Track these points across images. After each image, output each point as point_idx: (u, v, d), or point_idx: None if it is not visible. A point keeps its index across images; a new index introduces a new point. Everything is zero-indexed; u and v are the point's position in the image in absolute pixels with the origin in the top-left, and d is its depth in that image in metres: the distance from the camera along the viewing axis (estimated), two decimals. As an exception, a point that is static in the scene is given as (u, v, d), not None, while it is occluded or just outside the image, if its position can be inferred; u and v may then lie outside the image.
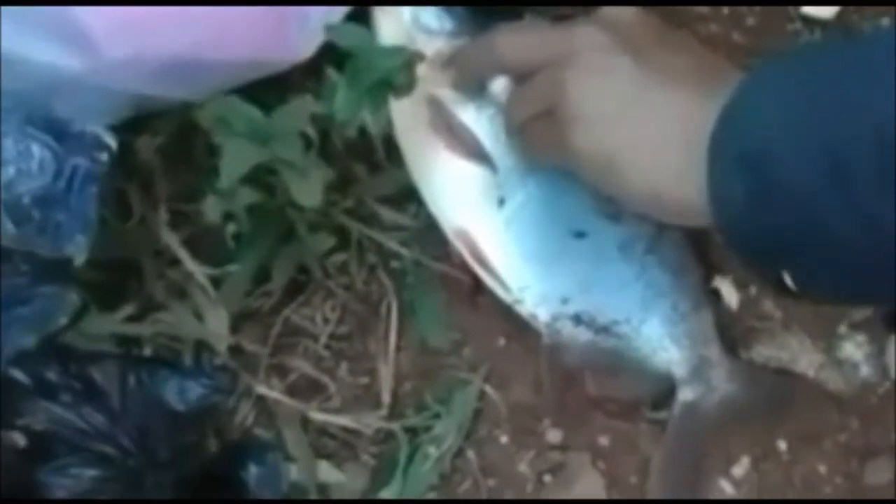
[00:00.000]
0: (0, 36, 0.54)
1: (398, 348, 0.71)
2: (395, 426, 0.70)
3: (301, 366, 0.71)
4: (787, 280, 0.51)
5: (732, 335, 0.69)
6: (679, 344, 0.68)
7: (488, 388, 0.70)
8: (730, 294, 0.69)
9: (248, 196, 0.62)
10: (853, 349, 0.69)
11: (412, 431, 0.70)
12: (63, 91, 0.58)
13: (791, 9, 0.70)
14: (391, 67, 0.62)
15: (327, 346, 0.71)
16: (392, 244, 0.70)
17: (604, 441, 0.70)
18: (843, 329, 0.69)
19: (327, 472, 0.70)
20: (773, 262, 0.52)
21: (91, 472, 0.64)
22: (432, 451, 0.69)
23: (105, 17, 0.54)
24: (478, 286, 0.69)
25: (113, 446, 0.64)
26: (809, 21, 0.70)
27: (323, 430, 0.70)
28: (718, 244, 0.66)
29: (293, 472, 0.69)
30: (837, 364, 0.69)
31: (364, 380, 0.71)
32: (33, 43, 0.55)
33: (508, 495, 0.70)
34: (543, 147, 0.62)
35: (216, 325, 0.68)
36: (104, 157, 0.61)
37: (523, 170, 0.66)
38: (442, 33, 0.65)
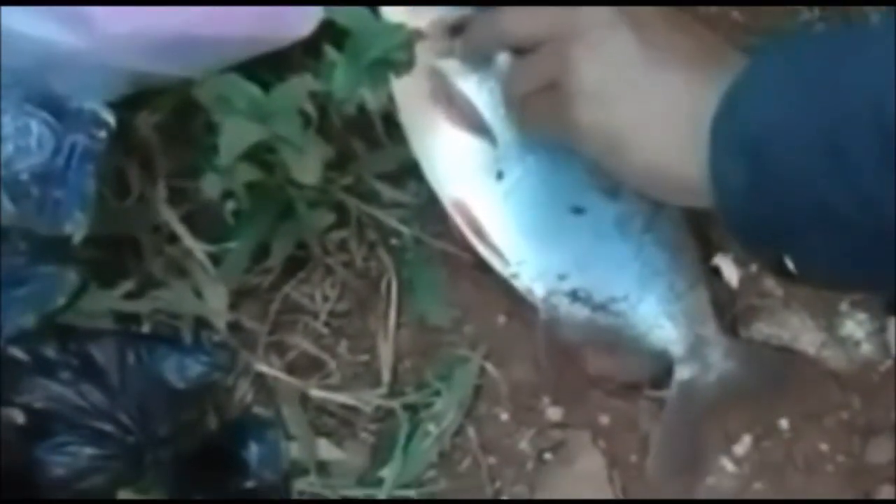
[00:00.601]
0: (-1, 12, 0.54)
1: (398, 325, 0.71)
2: (394, 404, 0.70)
3: (300, 343, 0.70)
4: (788, 264, 0.51)
5: (733, 313, 0.69)
6: (676, 322, 0.68)
7: (488, 366, 0.70)
8: (730, 272, 0.69)
9: (247, 173, 0.62)
10: (854, 327, 0.69)
11: (412, 409, 0.70)
12: (61, 68, 0.58)
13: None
14: (391, 46, 0.62)
15: (327, 324, 0.71)
16: (392, 221, 0.70)
17: (604, 419, 0.70)
18: (844, 307, 0.69)
19: (327, 449, 0.70)
20: (773, 246, 0.52)
21: (90, 450, 0.64)
22: (432, 428, 0.69)
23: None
24: (478, 263, 0.69)
25: (112, 424, 0.64)
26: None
27: (322, 408, 0.70)
28: (718, 221, 0.66)
29: (293, 450, 0.69)
30: (839, 342, 0.69)
31: (364, 357, 0.71)
32: (31, 19, 0.55)
33: (509, 473, 0.70)
34: (544, 121, 0.61)
35: (215, 302, 0.68)
36: (103, 134, 0.61)
37: (523, 144, 0.66)
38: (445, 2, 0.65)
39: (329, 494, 0.69)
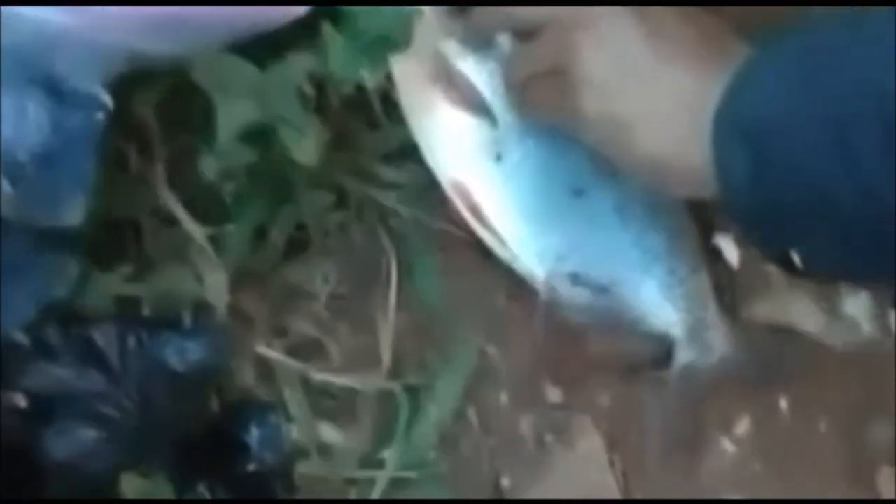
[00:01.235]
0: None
1: (398, 307, 0.71)
2: (395, 386, 0.69)
3: (301, 326, 0.70)
4: (794, 258, 0.51)
5: (733, 293, 0.69)
6: (676, 306, 0.68)
7: (489, 348, 0.70)
8: (730, 252, 0.69)
9: (245, 154, 0.62)
10: (856, 307, 0.69)
11: (412, 391, 0.70)
12: (57, 48, 0.58)
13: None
14: (389, 24, 0.62)
15: (327, 306, 0.71)
16: (391, 202, 0.70)
17: (604, 401, 0.70)
18: (845, 287, 0.69)
19: (328, 432, 0.70)
20: (778, 238, 0.52)
21: (91, 434, 0.64)
22: (433, 411, 0.69)
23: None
24: (478, 245, 0.68)
25: (113, 407, 0.64)
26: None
27: (323, 391, 0.70)
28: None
29: (294, 433, 0.69)
30: (840, 322, 0.69)
31: (364, 339, 0.71)
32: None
33: (509, 455, 0.70)
34: (546, 106, 0.61)
35: (215, 285, 0.68)
36: (100, 115, 0.61)
37: (523, 125, 0.66)
38: None
39: (330, 477, 0.69)
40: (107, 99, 0.61)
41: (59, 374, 0.64)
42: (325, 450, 0.70)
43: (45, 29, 0.56)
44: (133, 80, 0.62)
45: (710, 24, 0.58)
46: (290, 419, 0.69)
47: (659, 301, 0.67)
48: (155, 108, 0.65)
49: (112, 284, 0.67)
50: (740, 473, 0.69)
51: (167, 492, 0.66)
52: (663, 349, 0.68)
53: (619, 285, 0.67)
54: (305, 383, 0.70)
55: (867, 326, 0.69)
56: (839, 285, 0.69)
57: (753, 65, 0.52)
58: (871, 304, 0.69)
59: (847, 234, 0.49)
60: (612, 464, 0.69)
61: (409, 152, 0.68)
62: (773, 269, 0.69)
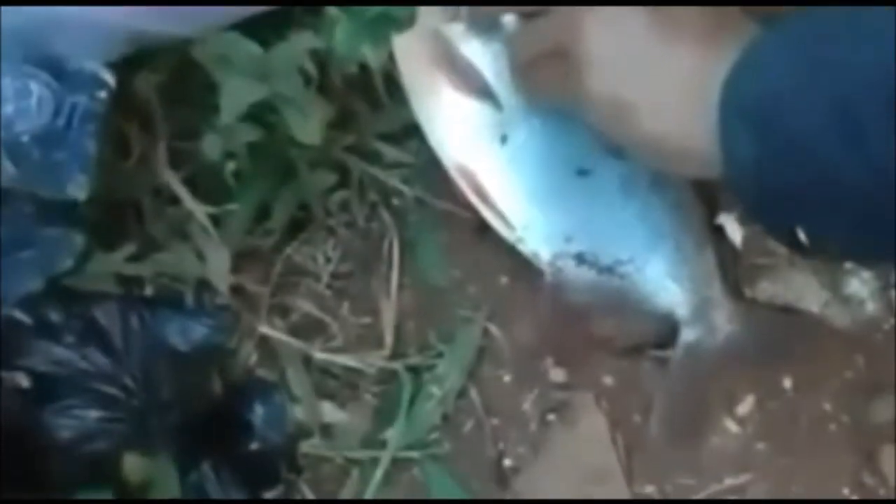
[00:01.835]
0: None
1: (400, 287, 0.71)
2: (397, 365, 0.69)
3: (303, 305, 0.70)
4: (801, 236, 0.51)
5: (736, 272, 0.69)
6: (682, 285, 0.67)
7: (492, 327, 0.70)
8: (734, 230, 0.68)
9: (248, 133, 0.62)
10: (859, 285, 0.69)
11: (415, 371, 0.70)
12: (59, 28, 0.58)
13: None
14: (391, 2, 0.62)
15: (329, 286, 0.71)
16: (393, 182, 0.70)
17: (607, 380, 0.70)
18: (848, 265, 0.69)
19: (331, 412, 0.70)
20: (785, 217, 0.52)
21: (94, 413, 0.64)
22: (435, 390, 0.69)
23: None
24: (481, 224, 0.68)
25: (116, 387, 0.64)
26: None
27: (325, 370, 0.70)
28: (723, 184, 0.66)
29: (297, 413, 0.69)
30: (843, 301, 0.69)
31: (366, 319, 0.71)
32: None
33: (512, 434, 0.70)
34: (550, 87, 0.61)
35: (217, 265, 0.68)
36: (103, 94, 0.61)
37: (527, 107, 0.65)
38: None
39: (333, 456, 0.69)
40: (109, 78, 0.61)
41: (61, 354, 0.64)
42: (327, 429, 0.70)
43: (47, 9, 0.55)
44: (135, 59, 0.62)
45: (720, 6, 0.58)
46: (292, 399, 0.69)
47: (664, 280, 0.67)
48: (157, 87, 0.65)
49: (114, 264, 0.67)
50: (743, 453, 0.69)
51: (170, 471, 0.66)
52: (667, 329, 0.68)
53: (625, 265, 0.67)
54: (308, 363, 0.70)
55: (870, 305, 0.69)
56: (843, 265, 0.69)
57: (759, 44, 0.51)
58: (875, 284, 0.69)
59: (853, 212, 0.49)
60: (614, 443, 0.69)
61: (412, 131, 0.68)
62: (776, 249, 0.69)
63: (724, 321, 0.68)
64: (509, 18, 0.64)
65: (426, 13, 0.64)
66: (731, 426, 0.69)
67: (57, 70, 0.60)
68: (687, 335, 0.68)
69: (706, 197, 0.68)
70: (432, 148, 0.66)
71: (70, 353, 0.64)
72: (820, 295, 0.69)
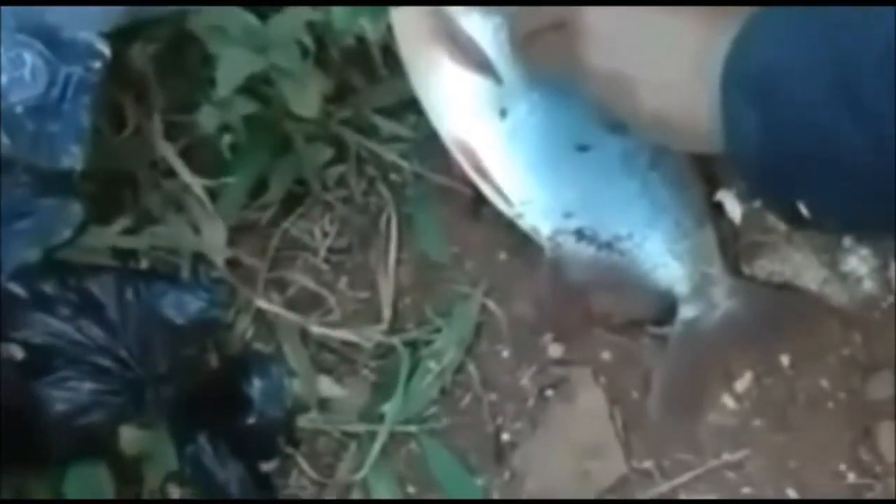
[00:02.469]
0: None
1: (398, 262, 0.70)
2: (395, 340, 0.69)
3: (300, 279, 0.70)
4: (802, 209, 0.51)
5: (735, 249, 0.69)
6: (681, 261, 0.67)
7: (489, 303, 0.70)
8: (733, 207, 0.68)
9: (244, 106, 0.62)
10: (857, 263, 0.69)
11: (413, 345, 0.70)
12: (54, -2, 0.57)
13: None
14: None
15: (326, 260, 0.71)
16: (391, 156, 0.69)
17: (606, 356, 0.70)
18: (847, 242, 0.69)
19: (328, 387, 0.70)
20: (786, 189, 0.51)
21: (90, 385, 0.64)
22: (433, 365, 0.69)
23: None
24: (479, 199, 0.68)
25: (111, 359, 0.64)
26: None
27: (323, 345, 0.70)
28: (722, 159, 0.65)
29: (294, 387, 0.69)
30: (841, 278, 0.69)
31: (364, 293, 0.71)
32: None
33: (510, 409, 0.70)
34: (550, 61, 0.61)
35: (213, 238, 0.68)
36: (98, 65, 0.60)
37: (527, 81, 0.65)
38: None
39: (330, 430, 0.69)
40: (105, 49, 0.60)
41: (56, 326, 0.64)
42: (324, 404, 0.69)
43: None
44: (131, 30, 0.62)
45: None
46: (290, 373, 0.69)
47: (664, 256, 0.67)
48: (153, 58, 0.64)
49: (110, 237, 0.66)
50: (741, 429, 0.69)
51: (167, 444, 0.66)
52: (666, 305, 0.68)
53: (624, 241, 0.67)
54: (305, 337, 0.70)
55: (868, 283, 0.69)
56: (841, 242, 0.69)
57: (761, 18, 0.51)
58: (873, 261, 0.69)
59: (855, 184, 0.48)
60: (612, 418, 0.69)
61: (410, 105, 0.67)
62: (775, 226, 0.69)
63: (723, 298, 0.67)
64: None
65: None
66: (729, 402, 0.69)
67: (51, 40, 0.59)
68: (686, 312, 0.67)
69: (706, 174, 0.67)
70: (431, 122, 0.66)
71: (65, 325, 0.64)
72: (818, 272, 0.69)
